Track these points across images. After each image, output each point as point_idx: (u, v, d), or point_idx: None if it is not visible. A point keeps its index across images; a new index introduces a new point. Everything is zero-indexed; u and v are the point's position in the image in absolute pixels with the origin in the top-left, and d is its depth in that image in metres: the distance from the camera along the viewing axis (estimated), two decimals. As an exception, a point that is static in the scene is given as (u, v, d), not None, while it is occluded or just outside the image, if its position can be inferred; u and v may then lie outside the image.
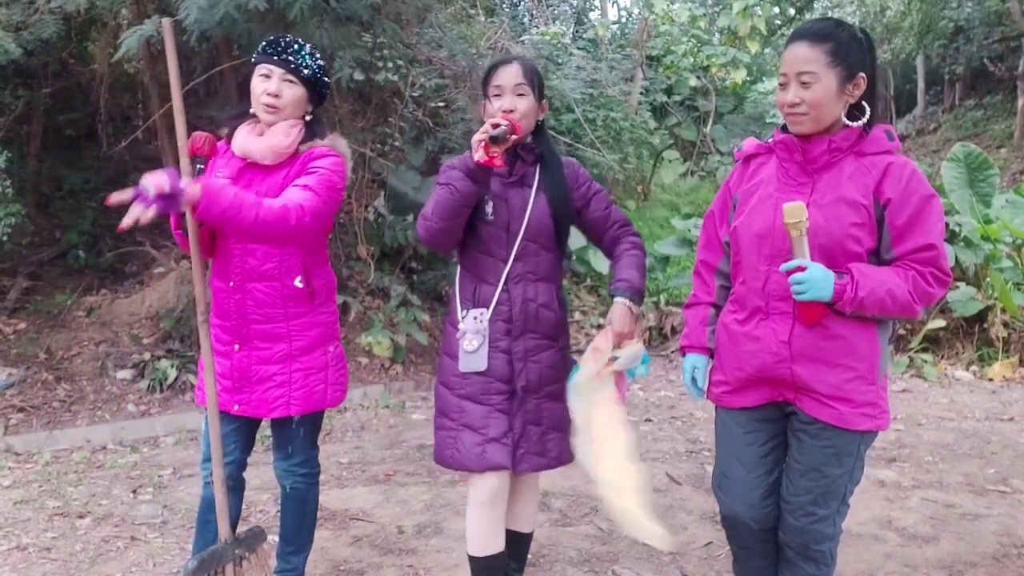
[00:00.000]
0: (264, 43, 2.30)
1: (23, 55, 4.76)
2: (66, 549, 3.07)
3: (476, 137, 2.07)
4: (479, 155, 2.05)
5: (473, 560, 2.33)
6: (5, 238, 4.88)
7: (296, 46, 2.28)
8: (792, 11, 17.90)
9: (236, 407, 2.37)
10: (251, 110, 2.31)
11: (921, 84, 16.93)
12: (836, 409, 1.94)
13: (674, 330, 7.10)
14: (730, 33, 14.07)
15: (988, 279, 6.25)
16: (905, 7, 15.22)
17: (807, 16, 18.66)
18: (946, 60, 15.34)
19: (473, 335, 2.26)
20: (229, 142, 2.35)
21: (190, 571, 2.20)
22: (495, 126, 2.07)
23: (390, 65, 5.59)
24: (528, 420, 2.29)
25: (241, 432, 2.44)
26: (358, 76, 5.27)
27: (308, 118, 2.33)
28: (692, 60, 13.86)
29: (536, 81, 2.26)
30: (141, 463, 4.12)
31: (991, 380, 5.80)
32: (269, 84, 2.24)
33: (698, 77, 14.15)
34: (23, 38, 4.72)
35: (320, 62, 2.33)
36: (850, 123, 1.94)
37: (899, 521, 3.30)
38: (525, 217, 2.26)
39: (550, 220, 2.29)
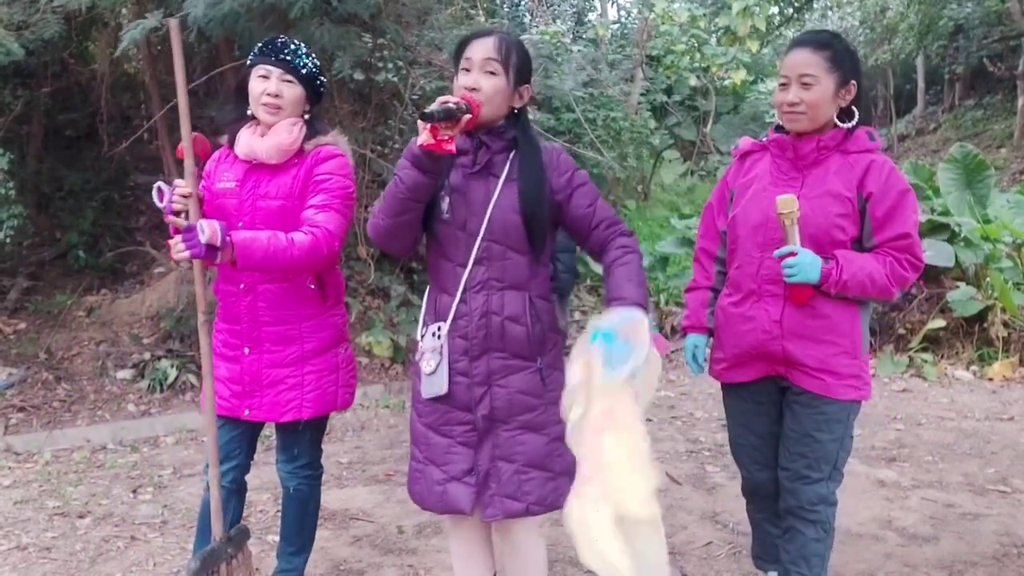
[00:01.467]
0: (260, 45, 2.30)
1: (24, 55, 4.76)
2: (66, 549, 3.07)
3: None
4: (423, 137, 1.75)
5: None
6: (7, 240, 4.88)
7: (292, 46, 2.29)
8: (791, 11, 17.90)
9: (246, 412, 2.35)
10: (249, 112, 2.31)
11: (921, 84, 16.93)
12: (823, 380, 2.15)
13: (674, 330, 7.08)
14: (729, 33, 14.08)
15: (988, 279, 6.25)
16: (905, 7, 15.22)
17: (807, 15, 18.65)
18: (946, 60, 15.33)
19: (430, 354, 1.97)
20: (231, 147, 2.35)
21: (193, 571, 2.20)
22: (444, 103, 1.77)
23: (390, 66, 5.59)
24: (497, 455, 1.97)
25: (246, 436, 2.44)
26: (358, 76, 5.27)
27: (307, 116, 2.33)
28: (691, 60, 13.87)
29: (513, 60, 1.93)
30: (141, 463, 4.12)
31: (991, 380, 5.79)
32: (268, 84, 2.24)
33: (698, 77, 14.15)
34: (24, 38, 4.72)
35: (316, 61, 2.33)
36: (841, 124, 2.14)
37: (899, 521, 3.30)
38: (487, 213, 1.94)
39: (518, 217, 1.94)
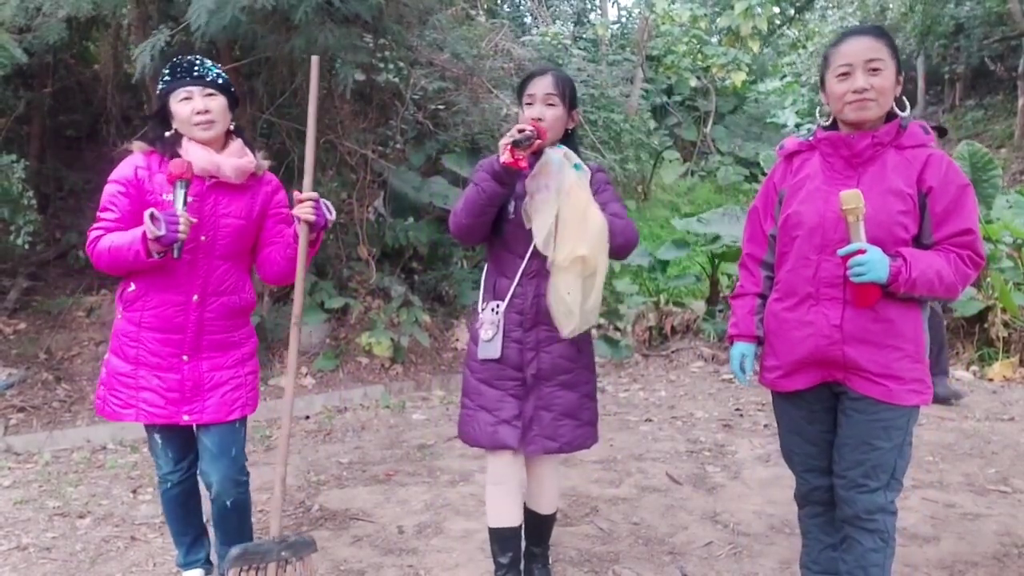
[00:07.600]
0: (168, 70, 2.38)
1: (27, 58, 4.76)
2: (66, 549, 3.07)
3: (502, 140, 2.22)
4: (504, 156, 2.21)
5: (490, 531, 2.57)
6: (25, 245, 4.90)
7: (199, 61, 2.39)
8: (792, 11, 17.90)
9: (185, 417, 2.44)
10: (169, 133, 2.38)
11: (921, 84, 16.92)
12: (886, 386, 2.07)
13: (674, 330, 7.08)
14: (731, 33, 14.08)
15: (988, 279, 6.25)
16: (905, 7, 15.21)
17: (807, 16, 18.65)
18: (946, 60, 15.33)
19: (489, 325, 2.43)
20: (167, 162, 2.34)
21: (231, 558, 2.29)
22: (520, 131, 2.21)
23: (391, 67, 5.59)
24: (540, 406, 2.43)
25: (190, 441, 2.56)
26: (359, 77, 5.27)
27: (233, 126, 2.45)
28: (692, 60, 13.87)
29: (567, 92, 2.40)
30: (141, 463, 4.12)
31: (991, 380, 5.80)
32: (195, 103, 2.33)
33: (698, 77, 14.16)
34: (27, 40, 4.72)
35: (221, 68, 2.46)
36: (901, 113, 2.08)
37: (899, 521, 3.26)
38: None
39: None
